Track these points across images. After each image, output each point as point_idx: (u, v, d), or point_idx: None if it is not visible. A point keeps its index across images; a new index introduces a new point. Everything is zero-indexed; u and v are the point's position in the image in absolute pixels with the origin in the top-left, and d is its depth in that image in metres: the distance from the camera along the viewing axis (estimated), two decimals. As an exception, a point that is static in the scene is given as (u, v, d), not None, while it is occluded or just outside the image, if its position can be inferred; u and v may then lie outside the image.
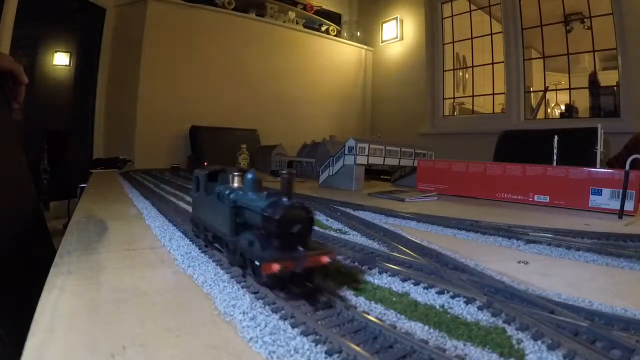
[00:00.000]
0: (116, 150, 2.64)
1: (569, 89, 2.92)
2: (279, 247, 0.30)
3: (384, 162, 1.21)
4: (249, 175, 0.36)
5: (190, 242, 0.47)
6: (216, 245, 0.42)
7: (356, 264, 0.40)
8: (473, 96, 3.52)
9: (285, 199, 0.31)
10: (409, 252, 0.44)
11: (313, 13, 3.83)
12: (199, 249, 0.44)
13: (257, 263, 0.30)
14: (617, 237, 0.53)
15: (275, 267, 0.28)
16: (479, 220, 0.64)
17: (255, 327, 0.26)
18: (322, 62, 3.83)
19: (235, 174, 0.39)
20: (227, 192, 0.38)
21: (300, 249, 0.30)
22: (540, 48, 3.03)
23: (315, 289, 0.30)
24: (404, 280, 0.35)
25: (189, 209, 0.71)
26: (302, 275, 0.29)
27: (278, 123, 3.43)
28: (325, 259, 0.30)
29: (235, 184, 0.38)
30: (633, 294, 0.35)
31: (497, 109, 3.33)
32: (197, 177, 0.47)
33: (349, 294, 0.32)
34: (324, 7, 3.95)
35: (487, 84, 3.34)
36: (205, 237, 0.45)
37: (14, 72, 0.78)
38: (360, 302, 0.31)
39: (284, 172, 0.35)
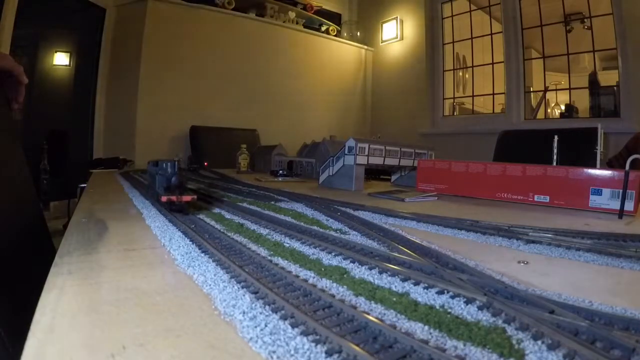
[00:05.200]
0: (116, 150, 2.64)
1: (569, 89, 2.93)
2: (170, 191, 0.62)
3: (384, 162, 1.21)
4: (170, 164, 0.66)
5: (191, 242, 0.47)
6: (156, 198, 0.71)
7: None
8: (473, 96, 3.53)
9: (175, 172, 0.65)
10: (409, 252, 0.44)
11: (313, 13, 3.83)
12: (199, 248, 0.44)
13: (161, 197, 0.62)
14: (617, 237, 0.53)
15: (164, 198, 0.61)
16: (479, 220, 0.64)
17: (255, 327, 0.26)
18: (322, 62, 3.83)
19: (164, 162, 0.67)
20: (159, 172, 0.68)
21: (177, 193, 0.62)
22: (540, 48, 3.04)
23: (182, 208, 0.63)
24: (404, 280, 0.35)
25: (189, 209, 0.71)
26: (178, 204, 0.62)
27: (278, 123, 3.43)
28: (188, 198, 0.62)
29: (169, 169, 0.66)
30: (633, 294, 0.35)
31: (497, 109, 3.33)
32: (149, 164, 0.83)
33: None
34: (324, 7, 3.95)
35: (487, 84, 3.34)
36: (154, 193, 0.76)
37: (14, 72, 0.78)
38: (360, 302, 0.31)
39: (175, 158, 0.66)
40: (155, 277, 0.36)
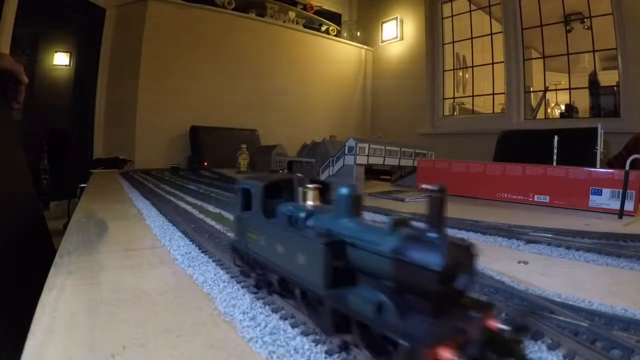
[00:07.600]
0: (116, 150, 2.64)
1: (569, 89, 2.92)
2: (432, 314, 0.18)
3: (384, 162, 1.21)
4: (344, 191, 0.22)
5: (190, 242, 0.47)
6: (284, 293, 0.28)
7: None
8: (473, 96, 3.52)
9: (435, 235, 0.18)
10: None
11: (313, 13, 3.83)
12: (199, 248, 0.44)
13: (405, 344, 0.17)
14: (617, 237, 0.53)
15: (447, 354, 0.16)
16: (479, 220, 0.64)
17: (255, 327, 0.26)
18: (322, 62, 3.83)
19: (310, 186, 0.25)
20: (305, 215, 0.25)
21: (474, 314, 0.19)
22: (540, 48, 3.03)
23: None
24: (404, 280, 0.35)
25: (189, 208, 0.71)
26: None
27: (278, 123, 3.43)
28: (495, 324, 0.19)
29: (310, 202, 0.24)
30: (633, 294, 0.35)
31: (497, 109, 3.33)
32: (246, 189, 0.32)
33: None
34: (324, 7, 3.95)
35: (487, 84, 3.34)
36: (260, 278, 0.30)
37: (14, 72, 0.78)
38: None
39: (430, 186, 0.19)
40: (155, 277, 0.36)
